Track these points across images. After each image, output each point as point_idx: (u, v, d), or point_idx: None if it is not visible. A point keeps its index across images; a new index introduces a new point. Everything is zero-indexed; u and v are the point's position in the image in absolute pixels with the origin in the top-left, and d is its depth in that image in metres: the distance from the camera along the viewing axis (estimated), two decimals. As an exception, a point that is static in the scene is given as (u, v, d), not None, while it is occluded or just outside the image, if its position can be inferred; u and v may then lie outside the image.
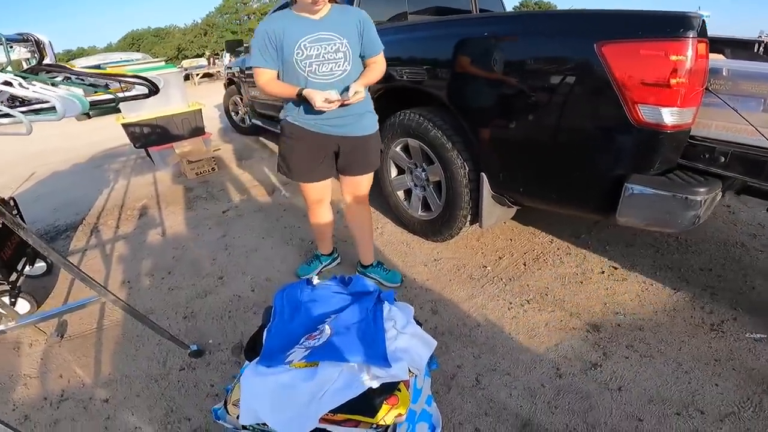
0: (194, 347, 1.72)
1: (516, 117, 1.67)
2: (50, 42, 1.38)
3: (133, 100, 1.66)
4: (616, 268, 2.12)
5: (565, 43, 1.46)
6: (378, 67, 1.69)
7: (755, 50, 2.60)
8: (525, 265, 2.20)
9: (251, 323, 1.91)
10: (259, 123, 4.63)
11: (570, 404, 1.42)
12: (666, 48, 1.21)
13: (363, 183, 1.92)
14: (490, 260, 2.25)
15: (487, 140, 1.82)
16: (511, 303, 1.92)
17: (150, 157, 4.50)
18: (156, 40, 40.80)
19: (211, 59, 20.28)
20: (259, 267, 2.37)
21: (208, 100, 8.93)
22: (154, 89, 1.64)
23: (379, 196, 2.66)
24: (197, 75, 17.54)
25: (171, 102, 4.28)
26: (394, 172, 2.53)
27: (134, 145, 4.33)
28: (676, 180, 1.29)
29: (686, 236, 2.37)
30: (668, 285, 1.98)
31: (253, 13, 40.76)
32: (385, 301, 1.06)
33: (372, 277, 2.12)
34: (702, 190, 1.24)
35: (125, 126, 4.11)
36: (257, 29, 1.60)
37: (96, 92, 1.41)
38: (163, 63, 4.80)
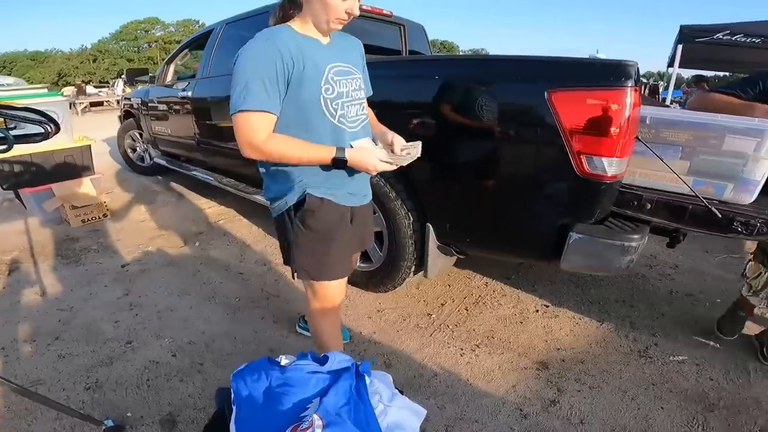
0: (109, 422, 1.44)
1: (465, 165, 1.70)
2: None
3: (24, 143, 1.38)
4: (547, 306, 2.27)
5: (516, 90, 1.49)
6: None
7: (641, 92, 3.13)
8: (467, 309, 2.24)
9: (180, 392, 1.66)
10: (163, 162, 4.19)
11: (543, 445, 1.43)
12: (609, 97, 1.28)
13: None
14: (433, 308, 2.25)
15: (433, 190, 1.84)
16: (462, 349, 1.93)
17: (21, 201, 3.78)
18: (32, 64, 36.46)
19: (78, 88, 17.90)
20: (178, 329, 2.07)
21: (97, 133, 7.95)
22: (51, 128, 1.38)
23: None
24: (81, 104, 15.63)
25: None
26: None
27: (0, 187, 3.60)
28: (615, 228, 1.44)
29: (599, 271, 2.66)
30: (594, 318, 2.17)
31: (155, 41, 38.69)
32: (365, 375, 0.97)
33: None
34: (636, 236, 1.39)
35: (-12, 163, 3.42)
36: (255, 47, 1.09)
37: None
38: (44, 90, 4.17)
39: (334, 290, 1.39)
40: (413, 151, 1.24)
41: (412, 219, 1.97)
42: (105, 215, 3.63)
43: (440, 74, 1.65)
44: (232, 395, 0.90)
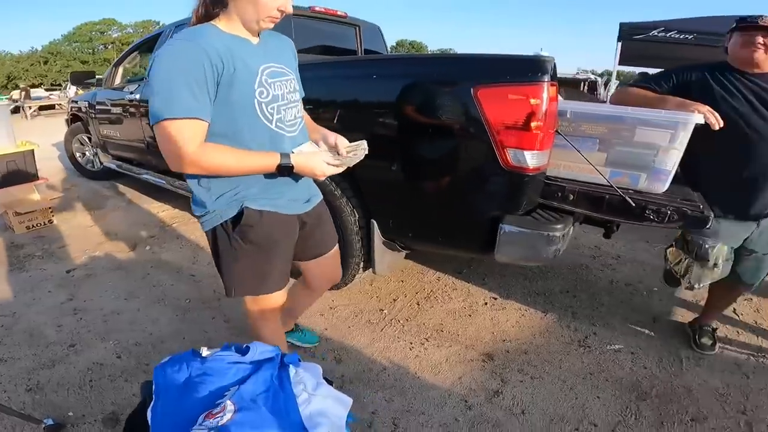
0: (49, 421, 1.45)
1: (402, 162, 1.75)
2: None
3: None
4: (495, 299, 2.36)
5: (446, 88, 1.54)
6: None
7: (581, 88, 3.27)
8: (418, 304, 2.29)
9: (124, 392, 1.66)
10: (113, 166, 4.07)
11: (486, 434, 1.48)
12: (527, 92, 1.35)
13: (338, 256, 1.54)
14: (385, 303, 2.29)
15: (375, 187, 1.88)
16: (411, 343, 1.97)
17: (-43, 209, 3.59)
18: None
19: (24, 91, 16.76)
20: (124, 331, 2.05)
21: (47, 138, 7.62)
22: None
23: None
24: (30, 108, 14.85)
25: (-7, 140, 3.52)
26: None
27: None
28: (540, 219, 1.52)
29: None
30: (539, 309, 2.26)
31: (112, 43, 37.36)
32: (290, 365, 0.99)
33: (289, 342, 1.83)
34: (559, 226, 1.47)
35: None
36: (176, 48, 0.99)
37: None
38: None
39: (276, 299, 1.33)
40: (359, 151, 1.22)
41: (357, 216, 2.00)
42: (50, 221, 3.50)
43: (378, 74, 1.69)
44: (153, 386, 0.90)
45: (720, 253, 1.63)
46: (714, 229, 1.60)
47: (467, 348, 1.95)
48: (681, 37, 4.22)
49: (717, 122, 1.43)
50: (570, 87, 3.10)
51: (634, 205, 1.41)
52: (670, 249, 1.82)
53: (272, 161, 1.08)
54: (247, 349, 0.96)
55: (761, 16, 1.48)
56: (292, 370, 0.98)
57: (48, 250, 3.02)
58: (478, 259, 2.77)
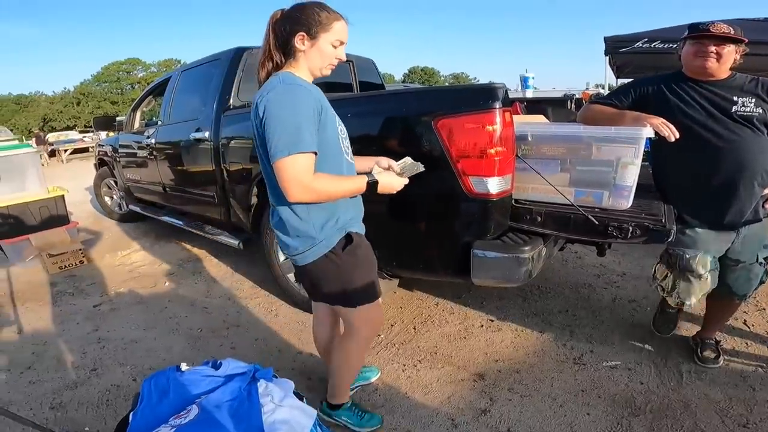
0: None
1: (380, 194, 1.90)
2: None
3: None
4: (492, 321, 2.43)
5: (412, 122, 1.67)
6: None
7: (568, 107, 3.31)
8: (415, 329, 2.40)
9: None
10: (137, 209, 4.40)
11: (468, 453, 1.55)
12: (481, 120, 1.47)
13: None
14: (382, 329, 2.40)
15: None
16: (404, 365, 2.07)
17: (2, 251, 4.00)
18: (17, 109, 36.77)
19: (36, 137, 17.04)
20: (141, 358, 2.27)
21: (80, 182, 8.24)
22: None
23: (273, 279, 2.75)
24: (66, 151, 15.82)
25: (26, 187, 3.95)
26: (282, 256, 2.58)
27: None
28: (508, 242, 1.61)
29: (545, 284, 2.82)
30: (535, 329, 2.32)
31: (138, 82, 39.22)
32: (261, 379, 1.14)
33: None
34: (527, 248, 1.56)
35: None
36: (295, 92, 1.19)
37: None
38: (15, 142, 4.46)
39: (379, 307, 1.54)
40: (412, 165, 1.42)
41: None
42: (82, 262, 3.83)
43: (351, 113, 1.87)
44: (141, 395, 1.07)
45: (702, 262, 1.65)
46: (693, 240, 1.65)
47: (459, 369, 2.03)
48: (665, 46, 4.24)
49: (672, 134, 1.49)
50: (557, 106, 3.17)
51: (597, 223, 1.50)
52: (658, 265, 1.83)
53: (362, 181, 1.31)
54: (220, 365, 1.12)
55: (712, 23, 1.52)
56: (262, 383, 1.13)
57: (78, 287, 3.33)
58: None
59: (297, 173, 1.16)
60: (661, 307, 2.10)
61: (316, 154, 1.20)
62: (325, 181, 1.23)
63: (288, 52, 1.28)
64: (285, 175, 1.17)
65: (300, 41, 1.25)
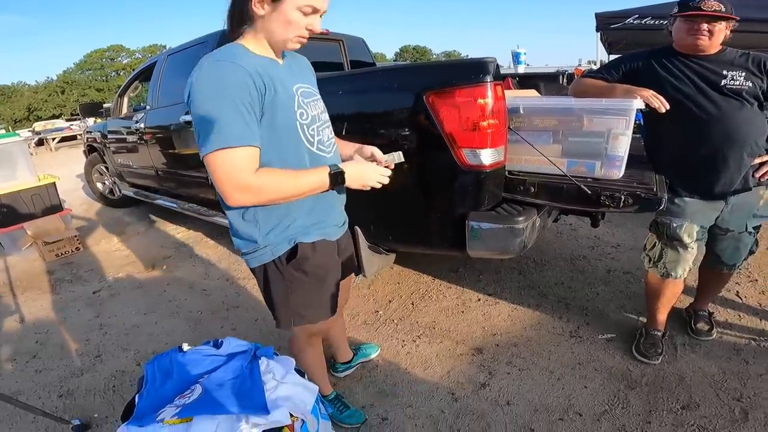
0: (77, 421, 1.70)
1: None
2: None
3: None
4: (489, 295, 2.48)
5: (403, 97, 1.68)
6: None
7: (560, 82, 3.30)
8: (413, 304, 2.45)
9: None
10: (130, 194, 4.42)
11: (469, 425, 1.62)
12: (473, 93, 1.48)
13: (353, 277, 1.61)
14: (381, 305, 2.46)
15: (355, 194, 2.04)
16: (404, 341, 2.13)
17: (-4, 242, 4.02)
18: (1, 99, 36.49)
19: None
20: (143, 342, 2.32)
21: (70, 169, 8.21)
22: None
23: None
24: (54, 139, 15.77)
25: (16, 176, 3.97)
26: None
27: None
28: (502, 213, 1.64)
29: (540, 256, 2.87)
30: (532, 302, 2.37)
31: (123, 69, 38.74)
32: (263, 357, 1.17)
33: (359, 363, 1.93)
34: (521, 219, 1.59)
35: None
36: (219, 70, 0.95)
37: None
38: (2, 131, 4.45)
39: (327, 324, 1.35)
40: (396, 156, 1.26)
41: (345, 223, 2.17)
42: (78, 248, 3.85)
43: (343, 90, 1.87)
44: (145, 377, 1.11)
45: (689, 230, 1.68)
46: (681, 209, 1.68)
47: (458, 343, 2.09)
48: (656, 23, 4.22)
49: (662, 105, 1.51)
50: (549, 81, 3.16)
51: (589, 192, 1.52)
52: (649, 236, 1.86)
53: (322, 175, 1.07)
54: (221, 344, 1.16)
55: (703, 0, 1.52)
56: (263, 361, 1.16)
57: (76, 274, 3.37)
58: (474, 259, 2.89)
59: (228, 171, 0.95)
60: (644, 329, 1.97)
61: (258, 146, 0.98)
62: (269, 177, 1.00)
63: (244, 18, 1.03)
64: (215, 175, 0.96)
65: (258, 4, 0.99)
